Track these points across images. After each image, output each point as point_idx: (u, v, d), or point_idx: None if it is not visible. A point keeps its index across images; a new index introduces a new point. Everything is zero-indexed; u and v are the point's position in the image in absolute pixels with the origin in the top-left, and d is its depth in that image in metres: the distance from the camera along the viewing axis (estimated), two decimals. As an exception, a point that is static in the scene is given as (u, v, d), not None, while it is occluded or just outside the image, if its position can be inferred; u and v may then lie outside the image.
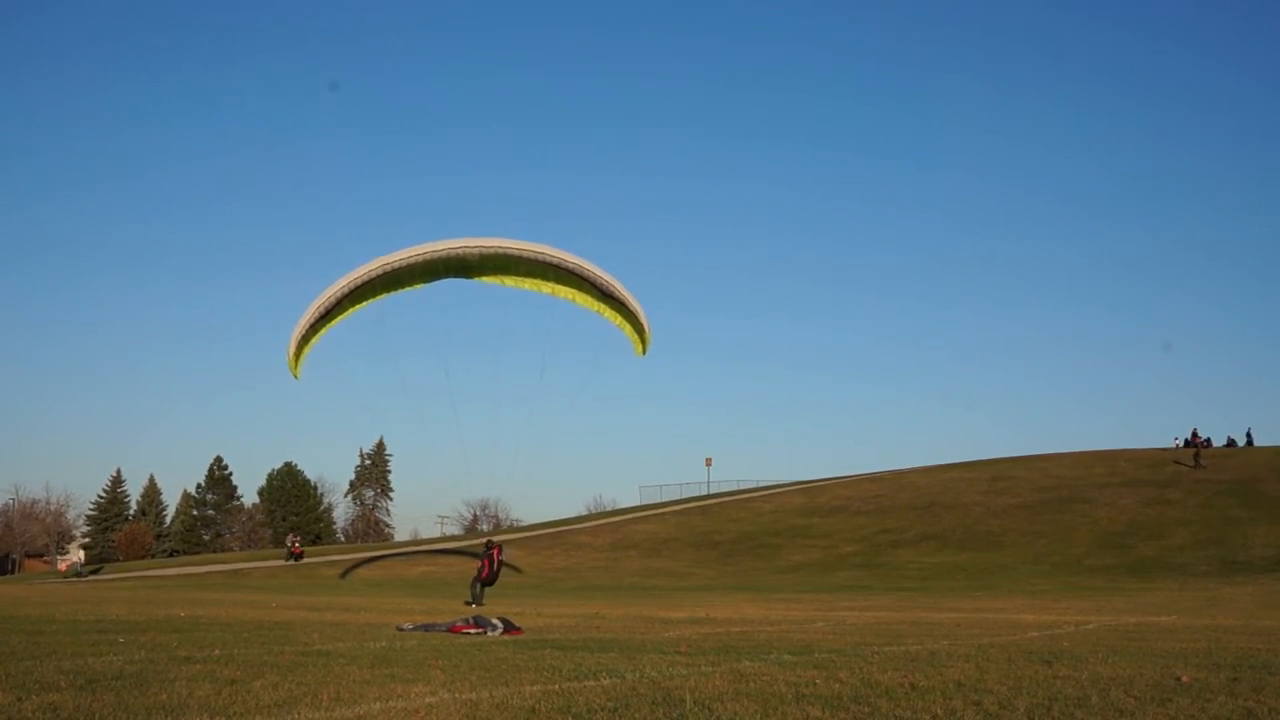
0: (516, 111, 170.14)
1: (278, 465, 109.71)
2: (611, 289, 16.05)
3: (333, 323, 16.04)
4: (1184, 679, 8.83)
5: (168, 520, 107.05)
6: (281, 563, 61.14)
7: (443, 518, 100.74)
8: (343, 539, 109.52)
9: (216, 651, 10.84)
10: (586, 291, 16.16)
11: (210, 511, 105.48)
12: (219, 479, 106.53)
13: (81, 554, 74.63)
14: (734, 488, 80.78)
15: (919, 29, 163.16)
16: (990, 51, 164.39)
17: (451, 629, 14.71)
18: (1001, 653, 11.57)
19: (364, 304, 16.03)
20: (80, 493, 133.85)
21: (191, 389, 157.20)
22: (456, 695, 7.54)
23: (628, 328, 16.69)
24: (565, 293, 16.32)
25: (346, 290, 15.56)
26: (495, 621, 14.75)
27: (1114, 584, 39.37)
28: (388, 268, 15.49)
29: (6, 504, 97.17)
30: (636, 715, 6.75)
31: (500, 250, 15.59)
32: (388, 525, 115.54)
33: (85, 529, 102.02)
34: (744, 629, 16.35)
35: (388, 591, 38.17)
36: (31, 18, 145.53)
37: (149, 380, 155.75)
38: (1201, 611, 23.21)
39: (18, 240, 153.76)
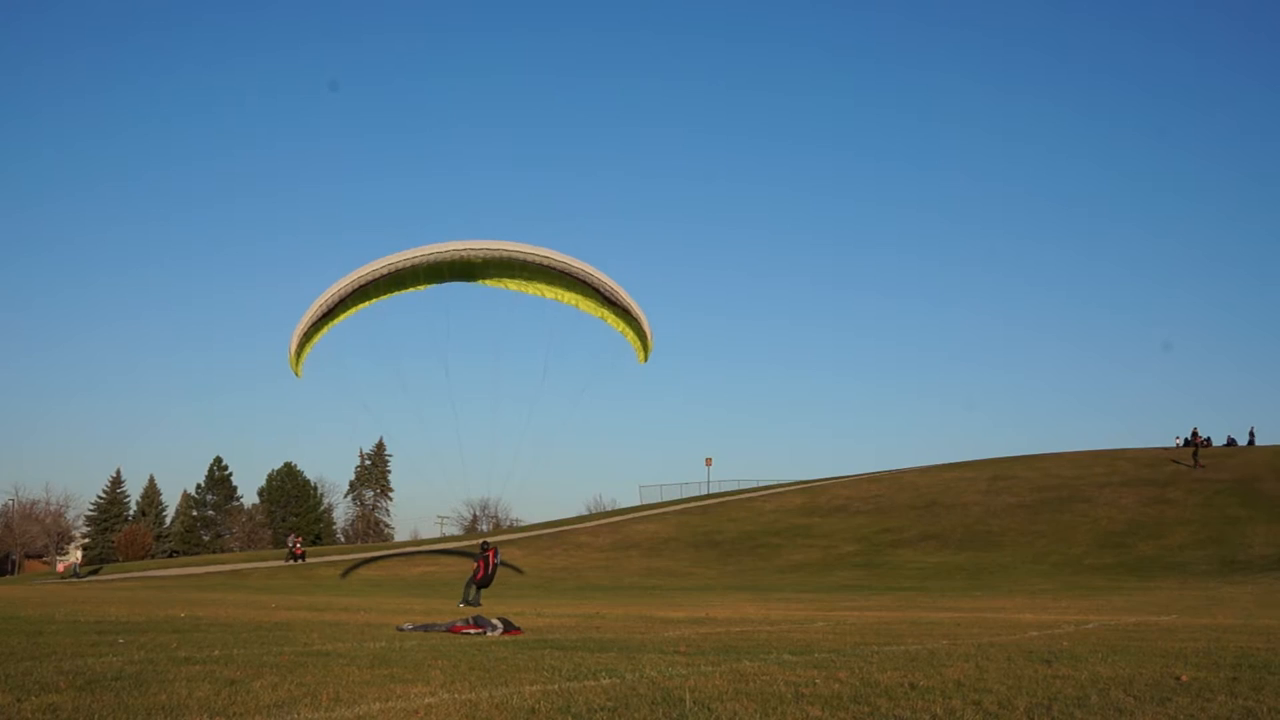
0: (516, 111, 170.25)
1: (278, 465, 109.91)
2: (615, 295, 16.05)
3: (335, 322, 16.03)
4: (1183, 678, 8.83)
5: (168, 521, 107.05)
6: (281, 563, 61.18)
7: (442, 518, 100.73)
8: (343, 539, 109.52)
9: (216, 652, 10.84)
10: (590, 297, 16.15)
11: (210, 512, 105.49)
12: (219, 479, 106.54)
13: (79, 555, 74.70)
14: (734, 488, 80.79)
15: (919, 29, 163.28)
16: (990, 51, 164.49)
17: (451, 629, 14.72)
18: (1001, 652, 11.58)
19: (366, 304, 16.03)
20: (80, 493, 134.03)
21: (191, 389, 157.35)
22: (456, 695, 7.54)
23: (630, 334, 16.70)
24: (569, 298, 16.32)
25: (349, 290, 15.55)
26: (495, 621, 14.76)
27: (1114, 583, 39.38)
28: (391, 268, 15.48)
29: (6, 504, 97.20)
30: (636, 715, 6.75)
31: (504, 253, 15.58)
32: (388, 525, 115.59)
33: (85, 529, 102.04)
34: (744, 629, 16.35)
35: (387, 591, 38.18)
36: (31, 18, 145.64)
37: (149, 380, 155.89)
38: (1201, 611, 23.21)
39: (18, 240, 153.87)
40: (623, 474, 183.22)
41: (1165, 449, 67.48)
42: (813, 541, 57.03)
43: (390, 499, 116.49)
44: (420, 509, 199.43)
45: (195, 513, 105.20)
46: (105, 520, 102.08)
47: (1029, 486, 62.31)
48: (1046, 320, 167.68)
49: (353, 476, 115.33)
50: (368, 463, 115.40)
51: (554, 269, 15.78)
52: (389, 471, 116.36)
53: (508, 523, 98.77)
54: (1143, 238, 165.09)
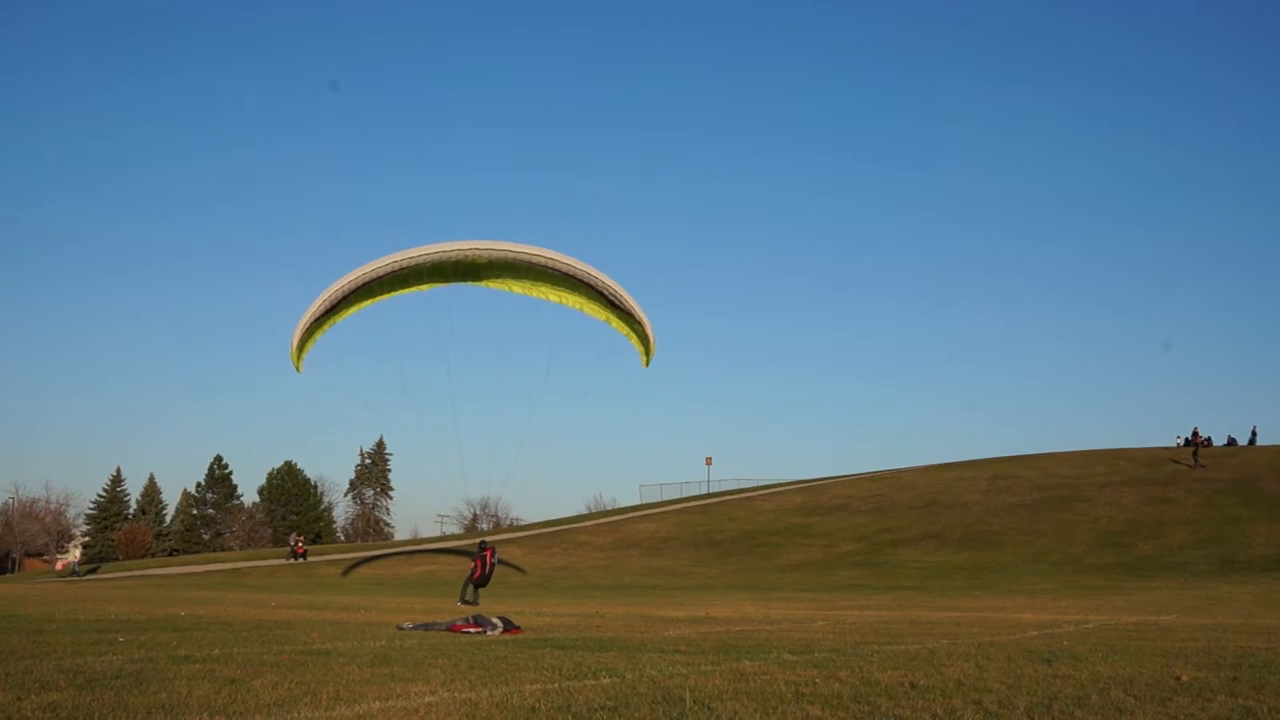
0: (516, 111, 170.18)
1: (278, 464, 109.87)
2: (619, 299, 16.04)
3: (337, 319, 16.02)
4: (1184, 678, 8.83)
5: (168, 519, 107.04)
6: (281, 562, 61.21)
7: (443, 517, 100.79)
8: (343, 538, 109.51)
9: (216, 651, 10.84)
10: (594, 300, 16.14)
11: (210, 511, 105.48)
12: (219, 478, 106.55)
13: (77, 554, 74.75)
14: (734, 487, 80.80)
15: (919, 29, 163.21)
16: (990, 51, 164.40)
17: (451, 628, 14.71)
18: (1001, 652, 11.57)
19: (370, 302, 16.02)
20: (80, 492, 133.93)
21: (191, 389, 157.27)
22: (456, 694, 7.54)
23: (634, 338, 16.70)
24: (573, 301, 16.30)
25: (353, 286, 15.52)
26: (495, 621, 14.75)
27: (1114, 583, 39.37)
28: (396, 266, 15.46)
29: (6, 503, 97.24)
30: (636, 714, 6.75)
31: (509, 255, 15.55)
32: (388, 525, 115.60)
33: (85, 528, 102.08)
34: (744, 628, 16.35)
35: (388, 590, 38.20)
36: (31, 18, 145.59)
37: (149, 380, 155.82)
38: (1201, 610, 23.21)
39: (18, 240, 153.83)
40: (623, 473, 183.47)
41: (1165, 449, 67.47)
42: (813, 541, 57.04)
43: (390, 498, 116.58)
44: (420, 508, 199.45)
45: (195, 511, 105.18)
46: (105, 519, 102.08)
47: (1029, 486, 62.31)
48: (1046, 320, 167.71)
49: (353, 475, 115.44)
50: (368, 462, 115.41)
51: (558, 271, 15.77)
52: (389, 470, 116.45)
53: (508, 522, 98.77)
54: (1143, 238, 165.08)
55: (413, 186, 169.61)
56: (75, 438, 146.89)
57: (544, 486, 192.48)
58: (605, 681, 8.34)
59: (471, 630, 14.41)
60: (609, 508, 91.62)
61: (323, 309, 15.58)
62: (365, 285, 15.57)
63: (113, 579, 54.97)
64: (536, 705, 7.03)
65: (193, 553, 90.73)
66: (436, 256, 15.45)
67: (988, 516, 57.34)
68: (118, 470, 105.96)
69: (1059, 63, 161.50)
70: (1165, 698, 7.63)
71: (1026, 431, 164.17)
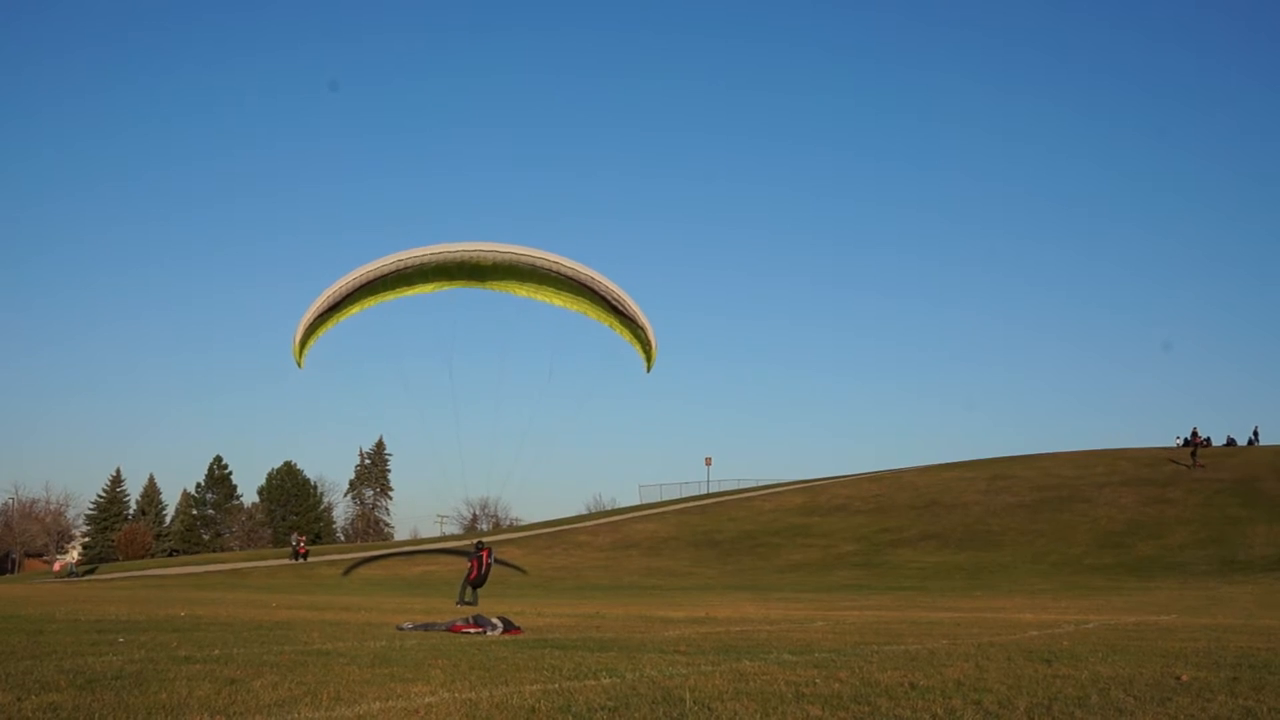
0: (516, 111, 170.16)
1: (277, 465, 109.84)
2: (622, 304, 16.05)
3: (341, 317, 16.01)
4: (1184, 678, 8.83)
5: (167, 520, 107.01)
6: (282, 562, 61.24)
7: (442, 517, 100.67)
8: (342, 538, 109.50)
9: (216, 651, 10.84)
10: (598, 305, 16.16)
11: (210, 511, 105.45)
12: (219, 478, 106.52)
13: (74, 554, 74.75)
14: (734, 487, 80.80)
15: (919, 29, 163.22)
16: (990, 51, 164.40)
17: (451, 628, 14.71)
18: (1001, 652, 11.58)
19: (374, 301, 16.01)
20: (80, 492, 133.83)
21: (191, 389, 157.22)
22: (456, 695, 7.54)
23: (637, 344, 16.73)
24: (577, 306, 16.33)
25: (358, 284, 15.52)
26: (495, 621, 14.75)
27: (1114, 583, 39.38)
28: (400, 265, 15.46)
29: (6, 503, 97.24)
30: (636, 715, 6.75)
31: (513, 257, 15.56)
32: (388, 525, 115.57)
33: (85, 529, 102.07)
34: (744, 628, 16.36)
35: (388, 591, 38.21)
36: (31, 18, 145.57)
37: (149, 380, 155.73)
38: (1201, 611, 23.22)
39: (18, 240, 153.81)
40: (623, 474, 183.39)
41: (1165, 449, 67.47)
42: (812, 541, 57.04)
43: (390, 498, 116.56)
44: (420, 508, 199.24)
45: (195, 512, 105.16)
46: (105, 519, 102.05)
47: (1029, 486, 62.32)
48: (1046, 320, 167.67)
49: (353, 476, 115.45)
50: (367, 462, 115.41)
51: (562, 275, 15.77)
52: (389, 471, 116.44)
53: (507, 522, 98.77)
54: (1143, 238, 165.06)
55: (413, 186, 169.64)
56: (75, 438, 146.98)
57: (544, 487, 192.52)
58: (605, 682, 8.34)
59: (471, 631, 14.41)
60: (609, 508, 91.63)
61: (326, 305, 15.58)
62: (370, 283, 15.58)
63: (112, 579, 54.98)
64: (536, 706, 7.03)
65: (193, 553, 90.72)
66: (441, 256, 15.45)
67: (988, 517, 57.35)
68: (118, 471, 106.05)
69: (1059, 63, 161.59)
70: (1165, 698, 7.64)
71: (1026, 431, 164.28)
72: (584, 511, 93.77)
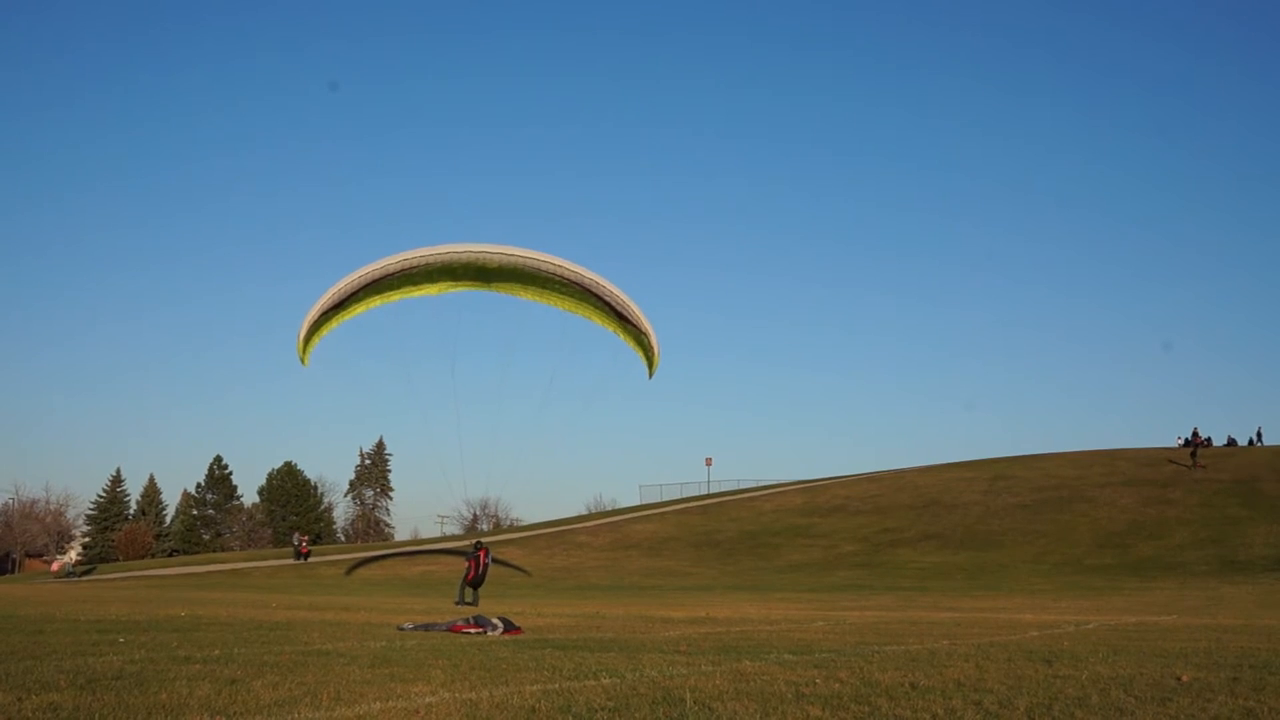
0: (516, 112, 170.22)
1: (278, 465, 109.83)
2: (626, 310, 16.08)
3: (346, 316, 16.01)
4: (1184, 678, 8.83)
5: (168, 520, 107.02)
6: (282, 562, 61.24)
7: (443, 517, 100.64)
8: (343, 539, 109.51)
9: (216, 651, 10.84)
10: (602, 310, 16.17)
11: (210, 511, 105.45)
12: (219, 479, 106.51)
13: (72, 554, 74.74)
14: (734, 487, 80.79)
15: (919, 29, 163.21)
16: (990, 51, 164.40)
17: (452, 628, 14.71)
18: (1001, 652, 11.58)
19: (379, 301, 16.01)
20: (80, 493, 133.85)
21: (191, 389, 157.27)
22: (456, 695, 7.54)
23: (639, 350, 16.76)
24: (581, 311, 16.35)
25: (363, 283, 15.53)
26: (495, 621, 14.75)
27: (1114, 584, 39.38)
28: (405, 264, 15.46)
29: (6, 503, 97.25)
30: (637, 715, 6.75)
31: (519, 260, 15.57)
32: (388, 525, 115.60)
33: (85, 529, 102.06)
34: (744, 628, 16.35)
35: (388, 591, 38.20)
36: (31, 17, 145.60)
37: (149, 380, 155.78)
38: (1202, 611, 23.22)
39: (18, 240, 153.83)
40: (623, 474, 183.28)
41: (1165, 449, 67.45)
42: (813, 541, 57.04)
43: (390, 498, 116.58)
44: (420, 508, 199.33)
45: (195, 512, 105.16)
46: (105, 519, 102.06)
47: (1029, 486, 62.31)
48: (1046, 320, 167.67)
49: (353, 476, 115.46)
50: (368, 462, 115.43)
51: (566, 280, 15.79)
52: (389, 471, 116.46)
53: (508, 522, 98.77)
54: (1143, 238, 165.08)
55: (412, 186, 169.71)
56: (75, 438, 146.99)
57: (544, 487, 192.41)
58: (605, 682, 8.34)
59: (472, 631, 14.41)
60: (609, 508, 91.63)
61: (331, 303, 15.58)
62: (375, 282, 15.58)
63: (112, 580, 54.98)
64: (537, 706, 7.03)
65: (193, 553, 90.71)
66: (447, 257, 15.45)
67: (988, 517, 57.34)
68: (118, 471, 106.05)
69: (1059, 63, 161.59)
70: (1165, 698, 7.64)
71: (1026, 431, 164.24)
72: (584, 512, 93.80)
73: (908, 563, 49.51)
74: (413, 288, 16.03)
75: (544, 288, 16.10)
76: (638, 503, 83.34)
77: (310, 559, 61.38)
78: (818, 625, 17.41)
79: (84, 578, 58.10)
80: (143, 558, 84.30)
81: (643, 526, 66.09)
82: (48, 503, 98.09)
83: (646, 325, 16.27)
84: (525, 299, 16.42)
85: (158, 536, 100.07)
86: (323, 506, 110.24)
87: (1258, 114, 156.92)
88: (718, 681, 8.42)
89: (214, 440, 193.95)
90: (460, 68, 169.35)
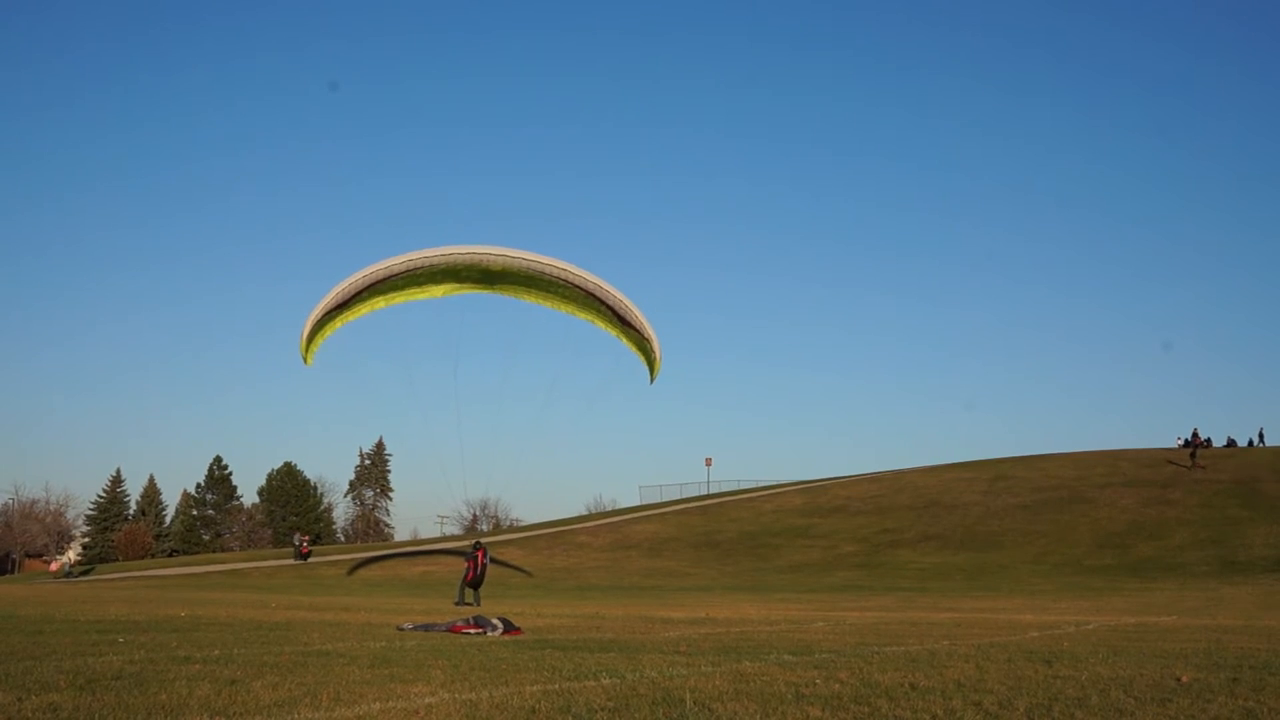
0: (516, 112, 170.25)
1: (277, 465, 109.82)
2: (630, 315, 16.09)
3: (351, 316, 15.99)
4: (1184, 679, 8.83)
5: (167, 520, 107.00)
6: (282, 562, 61.23)
7: (443, 517, 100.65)
8: (343, 539, 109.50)
9: (216, 651, 10.84)
10: (605, 315, 16.18)
11: (210, 511, 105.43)
12: (219, 479, 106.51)
13: (71, 555, 74.74)
14: (734, 488, 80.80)
15: (919, 29, 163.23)
16: (990, 51, 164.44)
17: (451, 629, 14.71)
18: (1001, 653, 11.58)
19: (384, 302, 16.00)
20: (80, 493, 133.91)
21: (191, 389, 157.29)
22: (456, 695, 7.54)
23: (641, 356, 16.76)
24: (584, 315, 16.35)
25: (368, 282, 15.52)
26: (495, 621, 14.75)
27: (1114, 584, 39.38)
28: (410, 264, 15.46)
29: (6, 504, 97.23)
30: (636, 715, 6.75)
31: (523, 263, 15.57)
32: (388, 525, 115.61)
33: (85, 529, 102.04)
34: (744, 629, 16.35)
35: (387, 592, 38.21)
36: (31, 18, 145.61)
37: (149, 380, 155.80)
38: (1202, 612, 23.22)
39: (18, 240, 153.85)
40: (623, 474, 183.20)
41: (1165, 449, 67.45)
42: (813, 541, 57.04)
43: (390, 499, 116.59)
44: (420, 509, 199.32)
45: (195, 512, 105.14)
46: (105, 520, 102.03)
47: (1029, 487, 62.31)
48: (1046, 320, 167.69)
49: (353, 476, 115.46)
50: (367, 462, 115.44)
51: (570, 284, 15.79)
52: (389, 471, 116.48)
53: (508, 522, 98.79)
54: (1143, 238, 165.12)
55: (412, 187, 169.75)
56: (75, 438, 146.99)
57: (544, 487, 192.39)
58: (605, 682, 8.34)
59: (471, 631, 14.41)
60: (609, 509, 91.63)
61: (335, 303, 15.57)
62: (379, 282, 15.57)
63: (112, 580, 54.97)
64: (537, 706, 7.03)
65: (193, 553, 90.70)
66: (451, 258, 15.45)
67: (988, 517, 57.34)
68: (118, 471, 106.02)
69: (1059, 63, 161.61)
70: (1165, 699, 7.63)
71: (1026, 432, 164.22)
72: (584, 512, 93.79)
73: (908, 563, 49.51)
74: (417, 289, 16.03)
75: (547, 291, 16.10)
76: (638, 503, 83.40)
77: (310, 559, 61.38)
78: (818, 626, 17.41)
79: (83, 578, 58.10)
80: (142, 558, 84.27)
81: (643, 527, 66.09)
82: (48, 503, 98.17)
83: (650, 331, 16.28)
84: (529, 302, 16.42)
85: (157, 537, 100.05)
86: (322, 507, 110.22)
87: (1258, 114, 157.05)
88: (718, 682, 8.42)
89: (214, 440, 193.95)
90: (460, 68, 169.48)
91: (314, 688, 7.82)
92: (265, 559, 66.31)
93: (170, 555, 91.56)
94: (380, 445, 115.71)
